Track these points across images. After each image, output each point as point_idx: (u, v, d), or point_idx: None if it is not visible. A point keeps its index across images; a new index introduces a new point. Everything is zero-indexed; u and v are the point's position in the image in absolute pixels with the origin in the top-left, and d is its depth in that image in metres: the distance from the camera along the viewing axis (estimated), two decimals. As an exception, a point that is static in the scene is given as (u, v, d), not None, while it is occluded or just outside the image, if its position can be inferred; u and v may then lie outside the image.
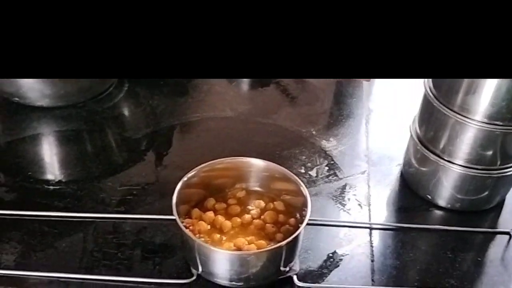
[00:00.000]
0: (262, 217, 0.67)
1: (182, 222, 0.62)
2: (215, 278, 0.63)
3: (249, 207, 0.68)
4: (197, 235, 0.64)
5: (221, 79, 0.97)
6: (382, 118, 0.91)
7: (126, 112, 0.92)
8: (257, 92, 0.97)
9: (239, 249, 0.63)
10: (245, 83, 0.98)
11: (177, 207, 0.63)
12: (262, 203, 0.68)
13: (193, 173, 0.67)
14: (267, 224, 0.66)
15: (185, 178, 0.66)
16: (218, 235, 0.65)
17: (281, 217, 0.67)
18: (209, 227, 0.65)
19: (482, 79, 0.64)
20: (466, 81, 0.66)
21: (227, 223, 0.66)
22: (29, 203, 0.73)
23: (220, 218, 0.66)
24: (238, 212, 0.67)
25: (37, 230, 0.70)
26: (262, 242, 0.63)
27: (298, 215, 0.66)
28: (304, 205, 0.64)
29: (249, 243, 0.63)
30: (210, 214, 0.66)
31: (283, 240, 0.61)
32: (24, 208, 0.72)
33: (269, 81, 0.98)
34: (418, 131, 0.75)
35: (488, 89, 0.65)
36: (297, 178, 0.66)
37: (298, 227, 0.62)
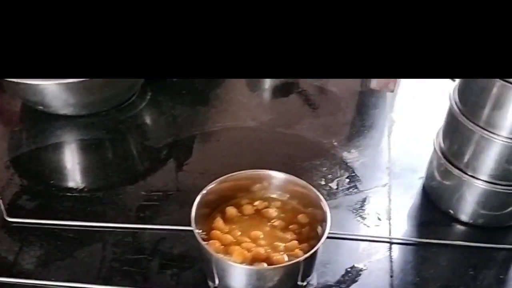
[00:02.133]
0: (280, 226, 0.67)
1: (201, 234, 0.62)
2: (232, 291, 0.63)
3: (269, 217, 0.68)
4: (215, 243, 0.63)
5: (243, 89, 0.97)
6: (405, 130, 0.90)
7: (148, 121, 0.93)
8: (279, 102, 0.97)
9: (256, 257, 0.62)
10: (267, 92, 0.98)
11: (196, 219, 0.63)
12: (282, 214, 0.68)
13: (212, 185, 0.67)
14: (287, 234, 0.65)
15: (204, 191, 0.66)
16: (235, 242, 0.64)
17: (301, 230, 0.67)
18: (227, 235, 0.65)
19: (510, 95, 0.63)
20: (492, 96, 0.65)
21: (248, 231, 0.66)
22: (51, 211, 0.74)
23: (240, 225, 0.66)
24: (258, 222, 0.67)
25: (58, 238, 0.70)
26: (279, 257, 0.63)
27: (318, 228, 0.65)
28: (324, 219, 0.63)
29: (266, 254, 0.63)
30: (230, 221, 0.67)
31: (302, 252, 0.61)
32: (45, 216, 0.73)
33: (291, 90, 0.97)
34: (442, 145, 0.74)
35: (515, 104, 0.63)
36: (316, 191, 0.66)
37: (317, 241, 0.62)
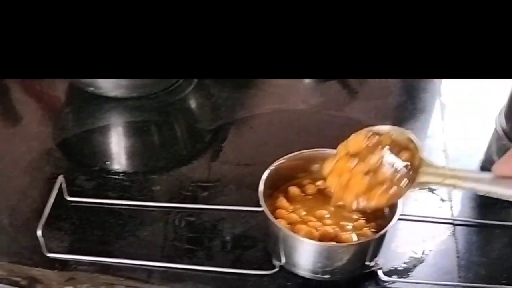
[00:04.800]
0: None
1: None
2: (298, 269, 0.63)
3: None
4: (281, 222, 0.62)
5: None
6: (458, 113, 0.89)
7: (196, 103, 0.92)
8: (329, 85, 0.96)
9: (324, 236, 0.61)
10: (316, 76, 0.97)
11: (263, 196, 0.62)
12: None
13: (280, 161, 0.66)
14: (353, 214, 0.64)
15: (272, 167, 0.65)
16: (301, 221, 0.63)
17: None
18: (293, 213, 0.64)
19: None
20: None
21: (312, 210, 0.65)
22: (108, 191, 0.74)
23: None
24: (322, 202, 0.66)
25: (119, 218, 0.70)
26: (348, 236, 0.61)
27: (385, 208, 0.64)
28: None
29: (334, 232, 0.62)
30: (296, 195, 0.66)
31: (370, 231, 0.60)
32: (103, 197, 0.73)
33: (341, 74, 0.96)
34: (505, 125, 0.72)
35: None
36: None
37: (384, 221, 0.61)
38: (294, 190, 0.67)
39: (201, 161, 0.80)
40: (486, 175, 0.49)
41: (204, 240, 0.68)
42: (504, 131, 0.72)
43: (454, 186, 0.51)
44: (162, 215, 0.71)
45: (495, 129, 0.74)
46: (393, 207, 0.62)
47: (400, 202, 0.61)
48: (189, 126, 0.88)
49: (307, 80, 0.96)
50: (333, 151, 0.67)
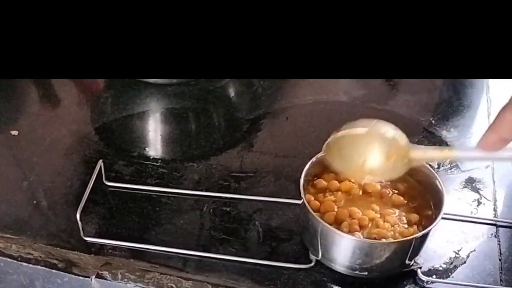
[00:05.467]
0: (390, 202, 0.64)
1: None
2: (335, 265, 0.62)
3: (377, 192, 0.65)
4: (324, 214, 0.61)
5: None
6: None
7: (237, 92, 0.91)
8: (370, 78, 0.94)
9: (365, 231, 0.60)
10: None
11: (304, 189, 0.61)
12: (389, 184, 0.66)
13: (318, 156, 0.65)
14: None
15: (314, 159, 0.64)
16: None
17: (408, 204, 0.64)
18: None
19: None
20: None
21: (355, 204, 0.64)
22: (146, 177, 0.74)
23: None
24: (366, 197, 0.65)
25: (156, 205, 0.70)
26: (390, 233, 0.60)
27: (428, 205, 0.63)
28: (437, 197, 0.61)
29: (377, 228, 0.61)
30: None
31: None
32: (142, 182, 0.72)
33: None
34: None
35: None
36: (429, 167, 0.63)
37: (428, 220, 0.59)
38: (336, 183, 0.66)
39: (239, 150, 0.79)
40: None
41: (240, 231, 0.67)
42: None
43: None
44: (199, 204, 0.70)
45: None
46: (438, 203, 0.60)
47: (444, 200, 0.60)
48: (228, 114, 0.87)
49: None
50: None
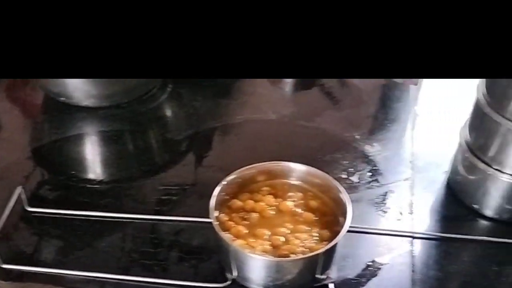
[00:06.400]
0: (300, 218, 0.66)
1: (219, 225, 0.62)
2: (250, 283, 0.63)
3: (289, 210, 0.67)
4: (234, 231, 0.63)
5: (264, 81, 0.96)
6: (429, 124, 0.88)
7: (169, 113, 0.93)
8: (300, 95, 0.96)
9: (276, 249, 0.62)
10: (288, 85, 0.97)
11: (214, 210, 0.62)
12: (302, 207, 0.67)
13: (232, 176, 0.66)
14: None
15: (224, 182, 0.65)
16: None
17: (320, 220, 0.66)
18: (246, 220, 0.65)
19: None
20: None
21: (267, 223, 0.65)
22: (71, 201, 0.74)
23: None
24: (278, 215, 0.66)
25: (78, 229, 0.71)
26: (299, 249, 0.62)
27: (339, 221, 0.64)
28: (344, 212, 0.63)
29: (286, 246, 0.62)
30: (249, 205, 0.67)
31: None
32: (66, 207, 0.73)
33: (313, 84, 0.96)
34: (468, 138, 0.72)
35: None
36: (337, 183, 0.65)
37: (337, 234, 0.61)
38: (250, 202, 0.67)
39: (167, 172, 0.80)
40: None
41: (160, 253, 0.68)
42: (467, 143, 0.72)
43: None
44: (121, 227, 0.71)
45: (460, 141, 0.73)
46: (346, 218, 0.62)
47: (349, 216, 0.61)
48: (160, 136, 0.88)
49: (280, 90, 0.96)
50: (292, 164, 0.68)
